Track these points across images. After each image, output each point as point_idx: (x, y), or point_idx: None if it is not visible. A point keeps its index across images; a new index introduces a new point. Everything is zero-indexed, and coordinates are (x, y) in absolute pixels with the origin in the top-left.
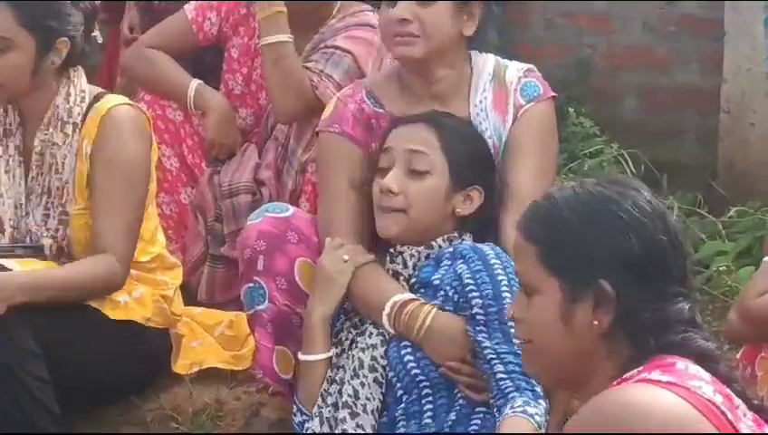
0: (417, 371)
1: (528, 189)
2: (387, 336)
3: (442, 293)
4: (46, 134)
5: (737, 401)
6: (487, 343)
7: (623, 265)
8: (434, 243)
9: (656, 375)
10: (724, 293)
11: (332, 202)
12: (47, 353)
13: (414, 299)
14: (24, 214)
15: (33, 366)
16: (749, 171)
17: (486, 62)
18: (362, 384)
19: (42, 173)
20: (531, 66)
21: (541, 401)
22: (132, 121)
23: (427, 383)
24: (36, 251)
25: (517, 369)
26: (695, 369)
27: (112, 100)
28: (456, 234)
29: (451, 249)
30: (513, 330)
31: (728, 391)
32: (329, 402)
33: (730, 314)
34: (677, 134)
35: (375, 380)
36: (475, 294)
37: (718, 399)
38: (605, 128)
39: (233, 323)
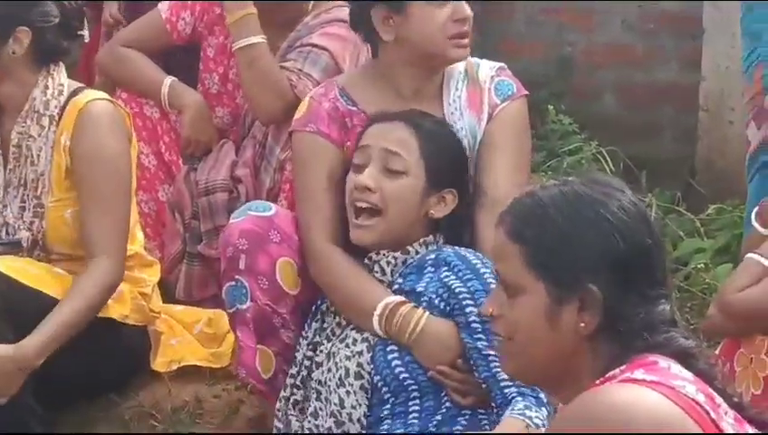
0: (406, 374)
1: (504, 188)
2: (372, 342)
3: (425, 300)
4: (23, 126)
5: (719, 399)
6: (488, 351)
7: (610, 267)
8: (410, 248)
9: (639, 374)
10: (702, 290)
11: (310, 203)
12: None
13: (405, 302)
14: (1, 207)
15: None
16: (727, 169)
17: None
18: (348, 393)
19: (18, 165)
20: (502, 64)
21: (543, 408)
22: (110, 117)
23: (415, 387)
24: (14, 247)
25: None
26: (677, 368)
27: (90, 94)
28: (431, 238)
29: (433, 256)
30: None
31: (710, 390)
32: (308, 413)
33: (710, 309)
34: (656, 132)
35: (361, 386)
36: (469, 302)
37: (701, 398)
38: (584, 125)
39: (211, 320)
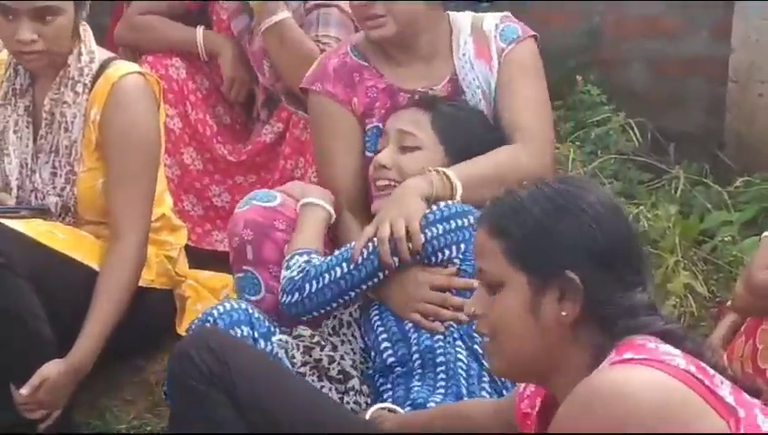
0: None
1: (526, 117)
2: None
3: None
4: (57, 93)
5: (711, 371)
6: None
7: (588, 255)
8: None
9: (628, 356)
10: (729, 262)
11: (327, 163)
12: (52, 315)
13: None
14: (29, 173)
15: (41, 329)
16: (756, 142)
17: (465, 18)
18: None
19: (51, 132)
20: (506, 13)
21: None
22: (141, 92)
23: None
24: (42, 212)
25: None
26: (664, 347)
27: (123, 68)
28: None
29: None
30: None
31: (701, 363)
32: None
33: (737, 286)
34: (685, 103)
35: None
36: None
37: (692, 369)
38: (612, 96)
39: None
